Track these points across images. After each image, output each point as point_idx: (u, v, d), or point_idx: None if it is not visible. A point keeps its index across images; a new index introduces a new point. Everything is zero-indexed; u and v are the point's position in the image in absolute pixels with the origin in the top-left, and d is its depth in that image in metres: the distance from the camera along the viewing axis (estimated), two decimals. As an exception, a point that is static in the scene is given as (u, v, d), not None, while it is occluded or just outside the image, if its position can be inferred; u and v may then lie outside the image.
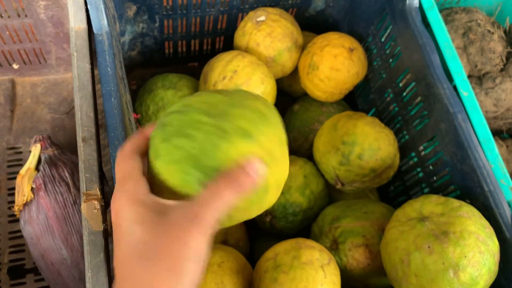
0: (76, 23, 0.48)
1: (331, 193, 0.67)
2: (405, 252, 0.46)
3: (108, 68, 0.47)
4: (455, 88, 0.55)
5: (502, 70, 0.75)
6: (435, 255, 0.44)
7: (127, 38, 0.72)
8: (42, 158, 0.62)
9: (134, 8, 0.67)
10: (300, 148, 0.72)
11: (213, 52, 0.81)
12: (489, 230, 0.46)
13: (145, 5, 0.67)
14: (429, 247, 0.45)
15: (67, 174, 0.60)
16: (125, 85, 0.54)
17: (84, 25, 0.48)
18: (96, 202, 0.41)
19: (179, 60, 0.81)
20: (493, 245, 0.45)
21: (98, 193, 0.41)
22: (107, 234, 0.42)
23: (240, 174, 0.29)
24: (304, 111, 0.73)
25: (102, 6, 0.49)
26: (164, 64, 0.81)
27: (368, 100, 0.72)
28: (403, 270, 0.46)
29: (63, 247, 0.59)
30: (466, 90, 0.54)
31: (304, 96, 0.75)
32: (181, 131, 0.30)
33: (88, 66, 0.46)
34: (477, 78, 0.76)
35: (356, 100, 0.76)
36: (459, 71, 0.55)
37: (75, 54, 0.47)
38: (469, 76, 0.77)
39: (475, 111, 0.54)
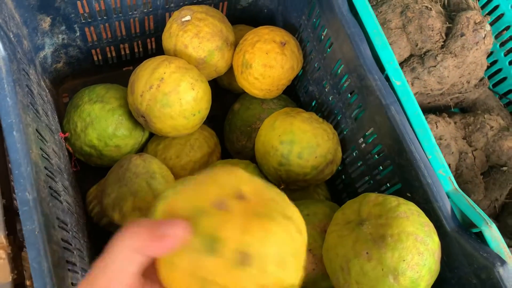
0: (-34, 51, 0.44)
1: (279, 193, 0.65)
2: (345, 260, 0.44)
3: (8, 98, 0.43)
4: (388, 77, 0.53)
5: (442, 46, 0.73)
6: (373, 261, 0.43)
7: (48, 51, 0.67)
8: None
9: (48, 20, 0.62)
10: (244, 148, 0.69)
11: (146, 54, 0.77)
12: (428, 228, 0.44)
13: (60, 15, 0.62)
14: (367, 253, 0.43)
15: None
16: (38, 111, 0.50)
17: (-24, 52, 0.44)
18: (1, 251, 0.37)
19: (111, 66, 0.76)
20: (433, 243, 0.44)
21: (4, 241, 0.38)
22: (22, 280, 0.39)
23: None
24: (245, 110, 0.70)
25: (-6, 30, 0.44)
26: (95, 72, 0.76)
27: (308, 92, 0.69)
28: (344, 278, 0.45)
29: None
30: (398, 79, 0.52)
31: (244, 93, 0.72)
32: None
33: (-17, 99, 0.42)
34: (419, 57, 0.74)
35: (297, 92, 0.73)
36: (390, 59, 0.53)
37: (-32, 86, 0.42)
38: (411, 56, 0.75)
39: (409, 100, 0.52)
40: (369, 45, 0.54)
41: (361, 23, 0.55)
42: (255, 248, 0.27)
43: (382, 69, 0.53)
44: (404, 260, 0.42)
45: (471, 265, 0.45)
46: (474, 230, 0.46)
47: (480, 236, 0.46)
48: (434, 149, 0.50)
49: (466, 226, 0.47)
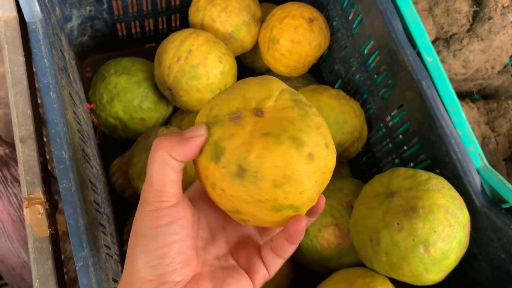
0: (4, 11, 0.44)
1: (301, 171, 0.65)
2: (374, 230, 0.45)
3: (45, 60, 0.43)
4: (419, 54, 0.53)
5: (469, 30, 0.72)
6: (404, 232, 0.43)
7: (75, 23, 0.67)
8: (-7, 158, 0.58)
9: (77, -10, 0.62)
10: (267, 126, 0.69)
11: (170, 31, 0.76)
12: (459, 201, 0.44)
13: (89, -14, 0.62)
14: (398, 224, 0.43)
15: (20, 173, 0.57)
16: (69, 76, 0.51)
17: (13, 13, 0.44)
18: (40, 206, 0.38)
19: (134, 42, 0.76)
20: (463, 216, 0.44)
21: (42, 196, 0.38)
22: (57, 238, 0.40)
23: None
24: (268, 87, 0.70)
25: (32, -9, 0.45)
26: (119, 47, 0.76)
27: (333, 72, 0.69)
28: (373, 249, 0.45)
29: (23, 250, 0.56)
30: (430, 55, 0.52)
31: (268, 72, 0.72)
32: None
33: (21, 59, 0.43)
34: (444, 40, 0.74)
35: (321, 72, 0.73)
36: (422, 35, 0.53)
37: (6, 46, 0.43)
38: (436, 39, 0.75)
39: (440, 76, 0.51)
40: (400, 21, 0.54)
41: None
42: (252, 164, 0.28)
43: (413, 45, 0.53)
44: (435, 231, 0.42)
45: (500, 239, 0.45)
46: (505, 206, 0.46)
47: (510, 212, 0.46)
48: (465, 126, 0.50)
49: (496, 201, 0.47)
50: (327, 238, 0.52)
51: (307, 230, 0.52)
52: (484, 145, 0.73)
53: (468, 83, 0.80)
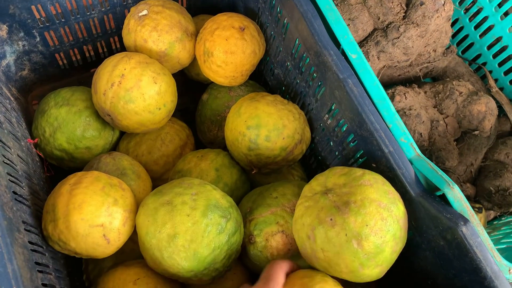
0: None
1: (254, 177, 0.65)
2: (310, 228, 0.45)
3: (-39, 108, 0.43)
4: (344, 52, 0.53)
5: (404, 17, 0.73)
6: (337, 227, 0.43)
7: (10, 59, 0.67)
8: None
9: (4, 27, 0.62)
10: (216, 138, 0.69)
11: (111, 54, 0.76)
12: (393, 195, 0.45)
13: (16, 22, 0.62)
14: (331, 219, 0.44)
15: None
16: (-3, 117, 0.50)
17: None
18: (-34, 257, 0.37)
19: (77, 69, 0.76)
20: (397, 210, 0.44)
21: (-33, 247, 0.38)
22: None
23: None
24: (213, 99, 0.70)
25: None
26: (63, 76, 0.76)
27: (275, 75, 0.70)
28: (310, 246, 0.45)
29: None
30: (354, 52, 0.53)
31: (212, 83, 0.72)
32: None
33: None
34: (382, 30, 0.74)
35: (265, 77, 0.74)
36: (344, 33, 0.53)
37: None
38: (374, 29, 0.75)
39: (366, 72, 0.52)
40: (324, 21, 0.54)
41: (314, 0, 0.55)
42: None
43: (338, 44, 0.54)
44: (367, 225, 0.42)
45: (437, 227, 0.45)
46: (438, 193, 0.47)
47: (444, 199, 0.46)
48: (394, 118, 0.50)
49: (431, 190, 0.47)
50: (276, 247, 0.52)
51: (255, 242, 0.52)
52: (433, 128, 0.74)
53: (414, 68, 0.81)
